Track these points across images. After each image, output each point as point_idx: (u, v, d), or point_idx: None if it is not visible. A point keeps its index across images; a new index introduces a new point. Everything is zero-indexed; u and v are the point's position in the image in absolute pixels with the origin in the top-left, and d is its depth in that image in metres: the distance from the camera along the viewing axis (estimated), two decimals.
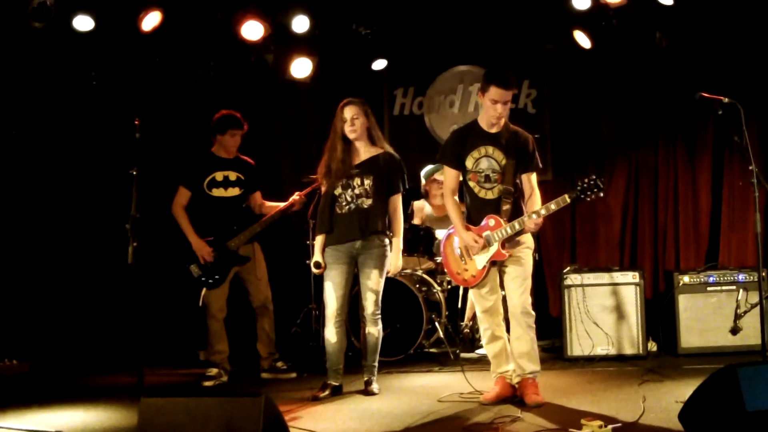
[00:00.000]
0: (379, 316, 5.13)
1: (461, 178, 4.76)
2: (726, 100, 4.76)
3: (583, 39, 6.75)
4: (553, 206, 4.45)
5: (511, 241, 4.61)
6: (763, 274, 5.34)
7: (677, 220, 7.16)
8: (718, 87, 5.23)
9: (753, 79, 6.76)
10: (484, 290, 4.71)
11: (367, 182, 5.07)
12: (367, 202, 5.07)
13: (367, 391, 5.10)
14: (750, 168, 4.76)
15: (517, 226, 4.52)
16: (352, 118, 5.06)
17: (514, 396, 4.69)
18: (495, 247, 4.58)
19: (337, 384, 5.13)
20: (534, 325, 4.64)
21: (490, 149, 4.64)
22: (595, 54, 6.95)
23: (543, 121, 7.55)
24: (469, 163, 4.67)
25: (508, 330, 4.75)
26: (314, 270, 5.24)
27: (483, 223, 4.63)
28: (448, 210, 4.85)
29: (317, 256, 5.17)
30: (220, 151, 5.93)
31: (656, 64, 7.04)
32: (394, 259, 5.14)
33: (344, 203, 5.09)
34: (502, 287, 4.79)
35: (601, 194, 4.39)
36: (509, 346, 4.71)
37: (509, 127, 4.70)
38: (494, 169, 4.63)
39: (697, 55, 6.91)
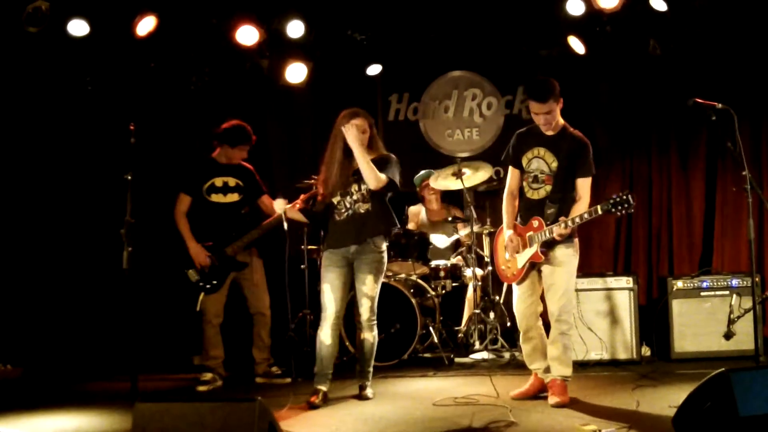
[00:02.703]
0: (375, 322, 5.11)
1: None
2: (719, 105, 4.77)
3: (577, 45, 6.77)
4: (585, 216, 4.52)
5: (553, 246, 4.67)
6: (756, 279, 5.38)
7: (671, 227, 7.18)
8: (711, 93, 5.25)
9: (746, 85, 6.79)
10: (523, 290, 4.84)
11: (364, 187, 5.05)
12: (364, 207, 5.06)
13: (361, 396, 5.09)
14: (743, 173, 4.78)
15: (552, 231, 4.59)
16: (365, 131, 5.05)
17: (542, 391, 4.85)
18: (534, 248, 4.69)
19: (326, 389, 5.05)
20: (569, 333, 4.76)
21: (542, 151, 4.74)
22: (589, 60, 6.97)
23: None
24: (524, 162, 4.81)
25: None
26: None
27: (529, 223, 4.74)
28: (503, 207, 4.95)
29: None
30: (221, 157, 5.91)
31: (650, 71, 7.06)
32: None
33: (342, 210, 5.09)
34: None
35: (631, 210, 4.43)
36: (544, 344, 4.86)
37: (567, 131, 4.78)
38: (542, 170, 4.73)
39: (691, 61, 6.93)
